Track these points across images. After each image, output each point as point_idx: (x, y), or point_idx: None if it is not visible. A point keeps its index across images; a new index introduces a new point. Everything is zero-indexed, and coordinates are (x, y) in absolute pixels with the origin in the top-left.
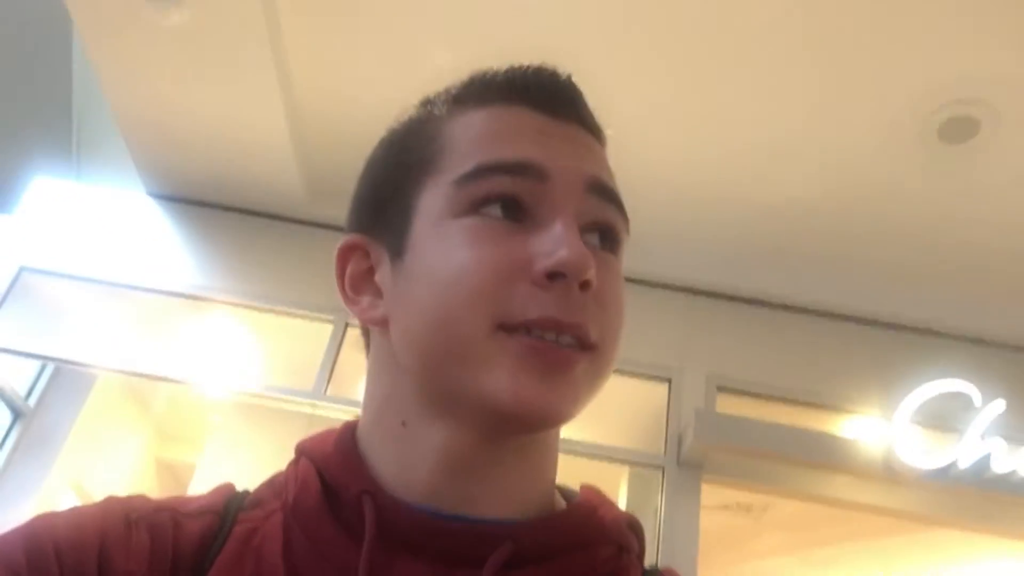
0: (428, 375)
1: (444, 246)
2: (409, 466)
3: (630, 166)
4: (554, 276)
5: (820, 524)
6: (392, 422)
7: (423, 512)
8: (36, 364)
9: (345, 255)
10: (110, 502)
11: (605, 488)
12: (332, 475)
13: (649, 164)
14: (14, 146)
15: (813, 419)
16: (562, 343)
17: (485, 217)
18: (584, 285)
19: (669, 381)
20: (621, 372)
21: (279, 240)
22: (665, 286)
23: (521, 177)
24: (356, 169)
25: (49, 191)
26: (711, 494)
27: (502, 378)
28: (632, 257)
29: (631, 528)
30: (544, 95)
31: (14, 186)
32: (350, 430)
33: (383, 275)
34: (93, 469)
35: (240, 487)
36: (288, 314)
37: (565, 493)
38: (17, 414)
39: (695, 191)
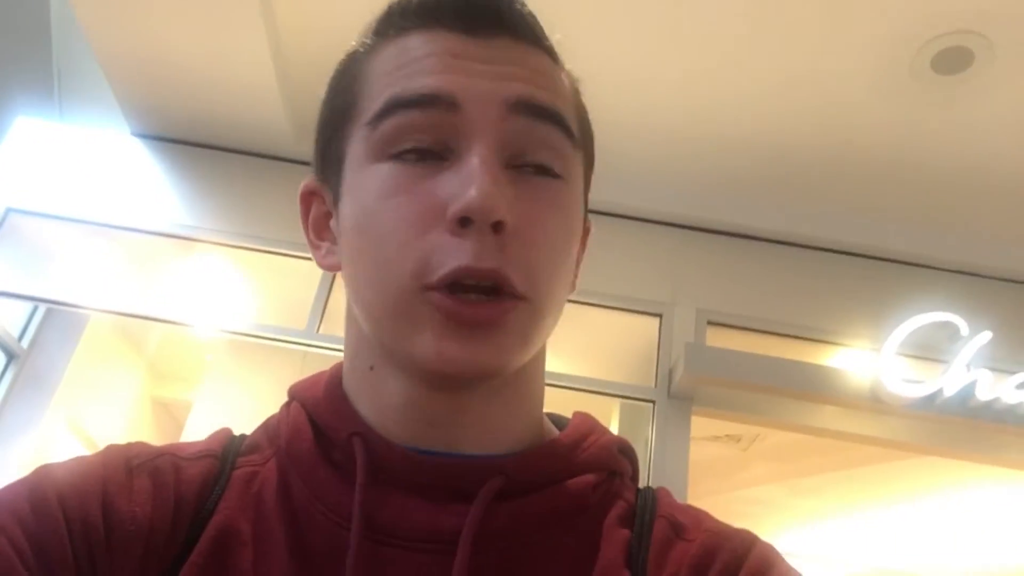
0: (372, 329)
1: (363, 197)
2: (385, 409)
3: (619, 103)
4: (464, 221)
5: (808, 454)
6: (363, 366)
7: (411, 451)
8: (28, 306)
9: (306, 199)
10: (110, 450)
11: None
12: (322, 419)
13: (640, 100)
14: None
15: (802, 352)
16: (483, 291)
17: (400, 161)
18: (497, 227)
19: (660, 315)
20: (612, 307)
21: (267, 179)
22: (656, 221)
23: (430, 109)
24: None
25: (32, 131)
26: (701, 426)
27: (427, 341)
28: (623, 192)
29: (623, 452)
30: (463, 11)
31: None
32: (338, 373)
33: (334, 221)
34: (89, 409)
35: (236, 426)
36: (278, 253)
37: (557, 422)
38: (11, 356)
39: (684, 126)
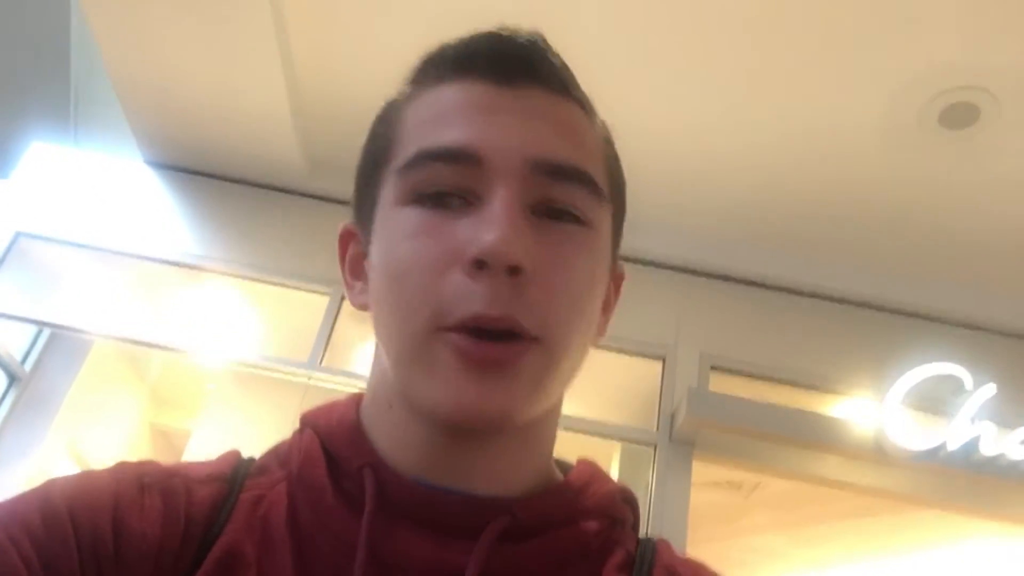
0: (392, 368)
1: (389, 239)
2: (399, 446)
3: (629, 147)
4: (479, 264)
5: (809, 503)
6: (382, 402)
7: (421, 485)
8: (32, 329)
9: (344, 240)
10: (123, 467)
11: (597, 463)
12: (335, 447)
13: (648, 145)
14: (12, 111)
15: (805, 400)
16: (499, 337)
17: (425, 205)
18: (513, 271)
19: (663, 359)
20: (615, 349)
21: (278, 212)
22: (661, 265)
23: (455, 164)
24: (356, 142)
25: (47, 157)
26: (702, 471)
27: (441, 386)
28: (629, 235)
29: (625, 500)
30: (495, 62)
31: (12, 151)
32: (355, 403)
33: (367, 262)
34: (88, 433)
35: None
36: (285, 285)
37: (562, 467)
38: (13, 378)
39: (693, 173)
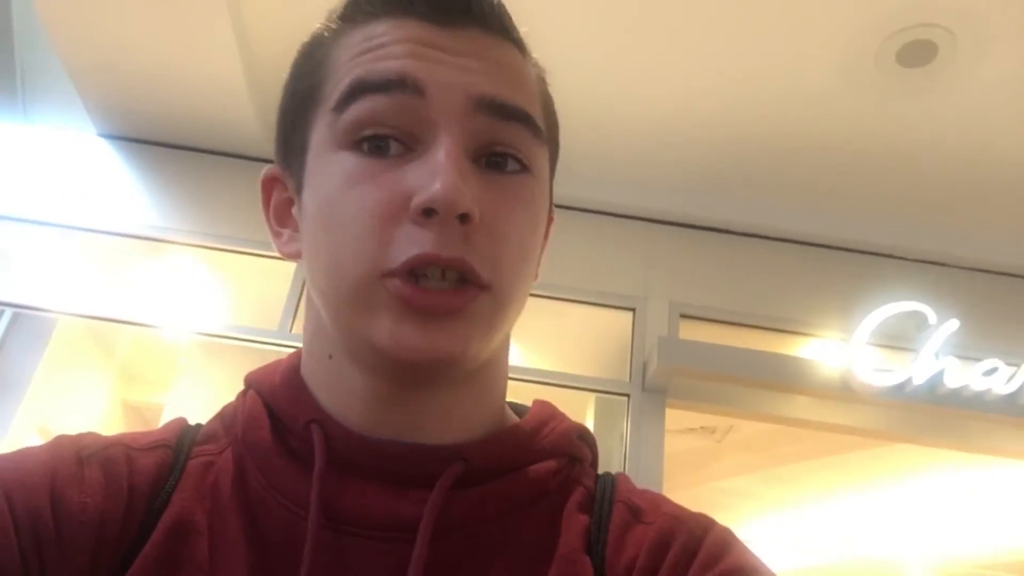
0: (330, 318)
1: (326, 186)
2: (344, 397)
3: (590, 98)
4: (428, 212)
5: (781, 443)
6: (321, 354)
7: (370, 438)
8: None
9: (268, 186)
10: (60, 440)
11: (572, 415)
12: (279, 406)
13: (606, 94)
14: None
15: (773, 343)
16: (448, 280)
17: (365, 151)
18: (463, 219)
19: (633, 310)
20: (586, 302)
21: (236, 179)
22: (628, 216)
23: (396, 93)
24: None
25: None
26: (675, 418)
27: (384, 327)
28: (594, 188)
29: (582, 438)
30: (431, 1)
31: None
32: (296, 360)
33: (296, 209)
34: (59, 413)
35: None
36: (250, 254)
37: (517, 409)
38: None
39: (654, 121)
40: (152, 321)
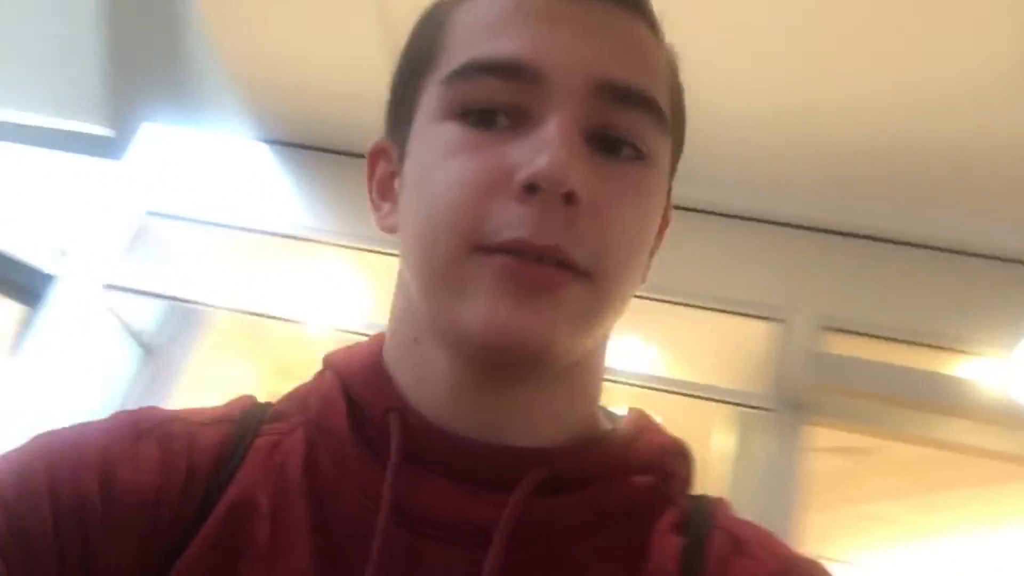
0: (420, 294)
1: (427, 155)
2: (427, 385)
3: (741, 103)
4: (531, 188)
5: (932, 468)
6: (407, 337)
7: (452, 433)
8: (156, 304)
9: (373, 159)
10: (117, 416)
11: (703, 429)
12: (357, 391)
13: (761, 101)
14: (124, 92)
15: (928, 360)
16: (545, 263)
17: (467, 122)
18: (568, 198)
19: (778, 320)
20: (728, 311)
21: None
22: (776, 223)
23: (511, 79)
24: None
25: (161, 137)
26: (817, 436)
27: (476, 304)
28: (741, 193)
29: (678, 454)
30: None
31: (125, 133)
32: (378, 344)
33: (398, 181)
34: (210, 403)
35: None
36: (392, 255)
37: (611, 417)
38: (146, 351)
39: (806, 127)
40: (301, 317)
